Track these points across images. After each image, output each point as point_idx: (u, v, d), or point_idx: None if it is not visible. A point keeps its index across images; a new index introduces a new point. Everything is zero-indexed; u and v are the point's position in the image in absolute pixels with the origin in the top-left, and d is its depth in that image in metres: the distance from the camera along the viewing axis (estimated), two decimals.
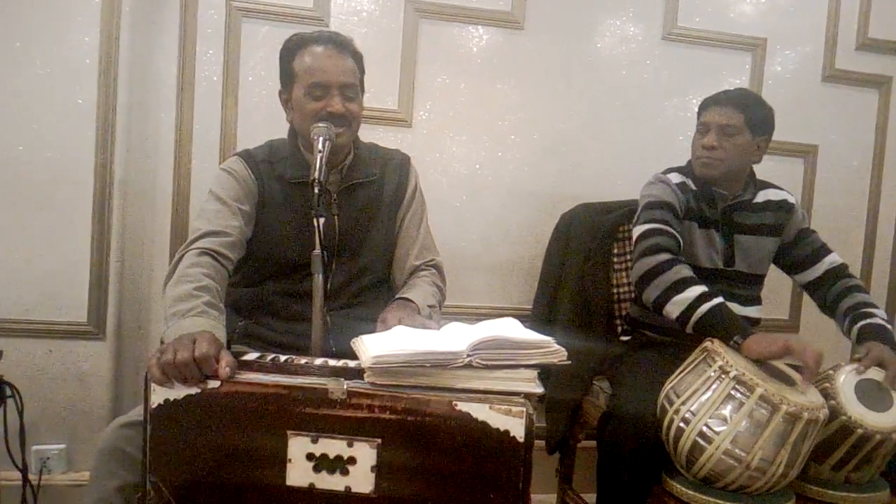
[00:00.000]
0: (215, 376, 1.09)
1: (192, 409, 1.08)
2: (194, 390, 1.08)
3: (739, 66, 2.42)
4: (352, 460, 1.08)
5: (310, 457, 1.08)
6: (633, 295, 2.05)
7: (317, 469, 1.08)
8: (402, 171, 1.71)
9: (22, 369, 2.02)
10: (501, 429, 1.06)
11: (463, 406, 1.06)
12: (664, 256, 1.68)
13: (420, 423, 1.07)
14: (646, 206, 1.81)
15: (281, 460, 1.08)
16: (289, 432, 1.08)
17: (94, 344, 2.07)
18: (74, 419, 2.08)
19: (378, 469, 1.07)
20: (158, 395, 1.08)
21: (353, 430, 1.07)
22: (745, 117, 1.77)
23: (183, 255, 1.41)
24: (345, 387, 1.07)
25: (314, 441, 1.08)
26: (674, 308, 1.64)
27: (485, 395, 1.08)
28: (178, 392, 1.08)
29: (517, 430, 1.06)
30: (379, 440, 1.07)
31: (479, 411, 1.06)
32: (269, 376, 1.10)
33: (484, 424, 1.06)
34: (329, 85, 1.51)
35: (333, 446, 1.08)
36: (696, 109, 1.88)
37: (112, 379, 2.08)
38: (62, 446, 2.08)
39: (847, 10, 2.46)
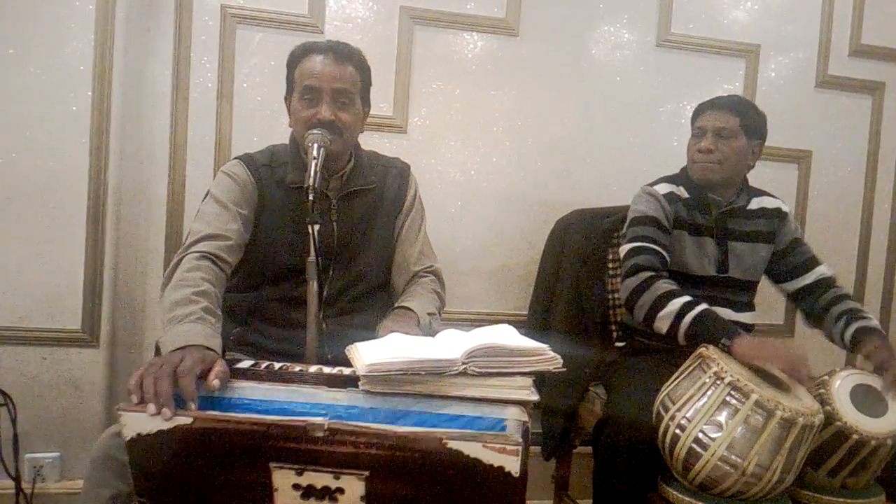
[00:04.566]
0: (190, 402, 1.03)
1: (167, 444, 1.02)
2: (166, 425, 1.01)
3: (733, 73, 2.43)
4: (340, 490, 1.03)
5: (296, 487, 1.04)
6: None
7: (305, 497, 1.04)
8: (401, 180, 1.72)
9: (15, 377, 2.01)
10: (495, 465, 1.00)
11: (453, 444, 0.99)
12: (644, 275, 1.72)
13: (410, 458, 1.01)
14: (631, 222, 1.84)
15: (267, 489, 1.04)
16: (272, 465, 1.02)
17: (88, 351, 2.06)
18: (68, 427, 2.07)
19: (368, 499, 1.03)
20: (130, 429, 1.02)
21: (339, 463, 1.02)
22: (740, 121, 1.79)
23: (182, 259, 1.39)
24: (325, 425, 1.01)
25: (299, 473, 1.03)
26: (662, 323, 1.67)
27: (476, 435, 1.02)
28: (150, 426, 1.01)
29: (511, 466, 1.00)
30: (367, 473, 1.02)
31: (470, 449, 1.00)
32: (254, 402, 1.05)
33: (476, 461, 1.00)
34: (319, 90, 1.51)
35: (320, 479, 1.03)
36: (691, 115, 1.89)
37: (106, 387, 2.07)
38: (56, 454, 2.06)
39: (840, 16, 2.48)
